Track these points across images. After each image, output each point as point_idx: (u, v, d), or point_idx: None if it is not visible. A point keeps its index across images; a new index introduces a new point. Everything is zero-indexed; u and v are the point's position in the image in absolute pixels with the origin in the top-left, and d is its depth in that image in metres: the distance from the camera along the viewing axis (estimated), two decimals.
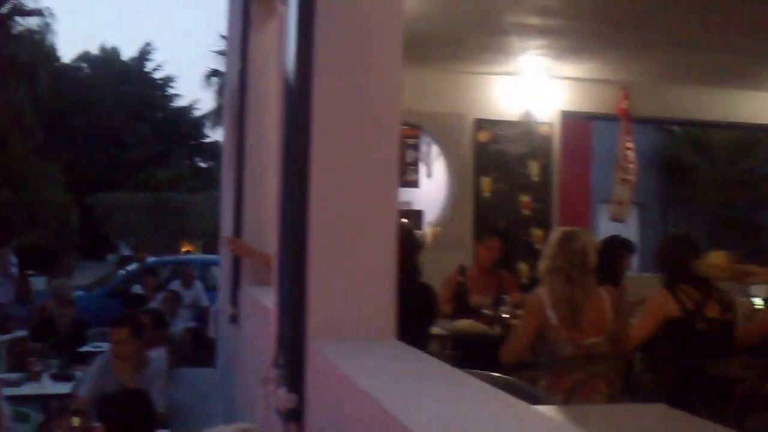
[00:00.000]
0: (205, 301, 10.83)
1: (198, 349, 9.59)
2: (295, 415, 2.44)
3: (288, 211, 2.80)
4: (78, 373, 5.69)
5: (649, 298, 4.59)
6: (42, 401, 5.70)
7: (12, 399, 5.07)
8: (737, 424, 3.69)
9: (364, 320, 2.44)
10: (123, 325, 4.93)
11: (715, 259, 4.38)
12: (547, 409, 2.76)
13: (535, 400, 3.11)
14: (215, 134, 34.62)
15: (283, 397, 2.47)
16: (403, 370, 2.04)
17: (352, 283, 2.45)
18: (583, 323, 3.92)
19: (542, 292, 4.00)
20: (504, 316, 4.86)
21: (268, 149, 4.92)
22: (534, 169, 8.03)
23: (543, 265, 4.05)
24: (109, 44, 41.37)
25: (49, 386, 5.90)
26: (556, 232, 4.18)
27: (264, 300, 3.82)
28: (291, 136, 2.80)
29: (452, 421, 1.47)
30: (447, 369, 2.00)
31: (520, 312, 4.37)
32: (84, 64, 39.31)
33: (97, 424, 3.19)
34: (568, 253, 3.98)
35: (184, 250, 23.45)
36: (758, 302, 5.91)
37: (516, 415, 1.54)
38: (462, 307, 5.18)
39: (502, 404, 1.61)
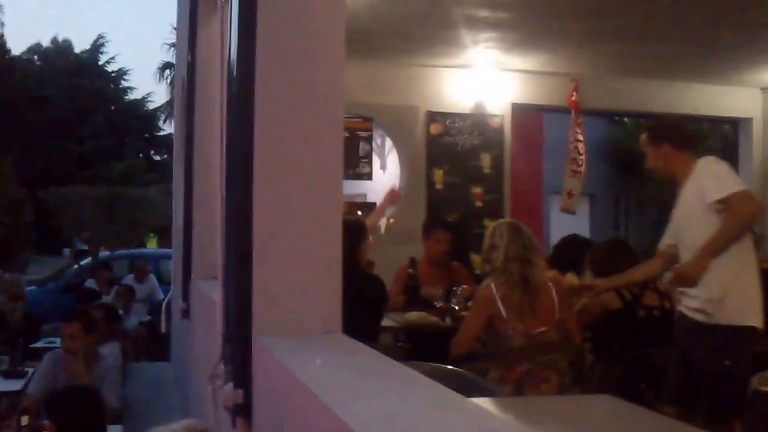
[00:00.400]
0: (159, 294, 10.72)
1: (153, 343, 9.52)
2: (242, 411, 2.45)
3: (232, 205, 2.79)
4: (30, 370, 5.60)
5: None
6: None
7: None
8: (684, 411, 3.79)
9: (310, 314, 2.45)
10: (73, 320, 4.88)
11: (569, 278, 4.68)
12: (491, 402, 2.79)
13: (485, 392, 3.15)
14: (169, 127, 34.29)
15: (229, 392, 2.48)
16: (346, 365, 2.05)
17: (297, 277, 2.45)
18: (532, 312, 3.99)
19: (492, 283, 4.04)
20: (455, 308, 4.90)
21: (217, 142, 4.90)
22: (486, 161, 8.09)
23: (495, 255, 4.07)
24: (61, 37, 40.69)
25: None
26: (501, 224, 4.22)
27: (212, 294, 3.81)
28: (234, 130, 2.79)
29: (390, 416, 1.49)
30: (390, 364, 2.01)
31: (471, 304, 4.41)
32: (35, 57, 38.58)
33: (46, 422, 3.15)
34: (519, 242, 4.06)
35: (148, 245, 23.26)
36: None
37: (456, 410, 1.55)
38: (413, 299, 5.22)
39: (442, 399, 1.63)
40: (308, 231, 2.48)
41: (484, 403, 2.56)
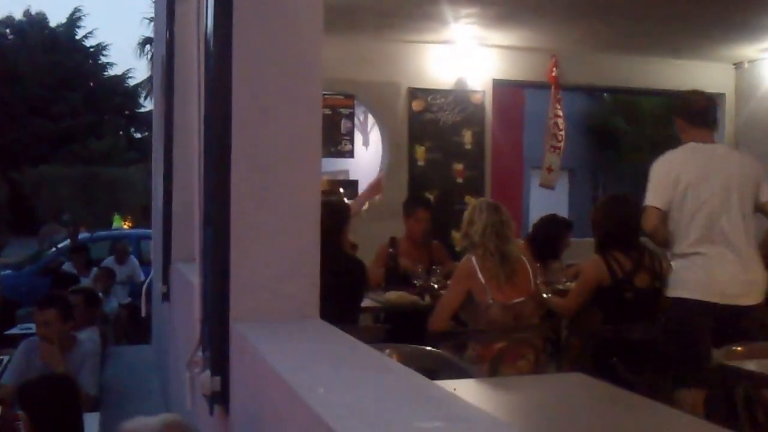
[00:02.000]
0: (140, 276, 10.64)
1: (134, 326, 9.48)
2: (219, 398, 2.44)
3: (209, 188, 2.76)
4: (5, 358, 5.52)
5: (583, 267, 4.69)
6: None
7: None
8: (654, 384, 3.84)
9: (287, 300, 2.44)
10: (49, 306, 4.77)
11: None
12: (466, 384, 2.81)
13: (462, 372, 3.17)
14: (150, 104, 33.94)
15: (207, 380, 2.47)
16: (321, 353, 2.04)
17: (275, 263, 2.44)
18: (510, 284, 4.11)
19: (472, 257, 4.11)
20: (434, 286, 4.91)
21: (195, 122, 4.85)
22: (467, 137, 8.07)
23: (473, 229, 4.14)
24: (34, 9, 39.97)
25: None
26: (481, 202, 4.29)
27: (192, 278, 3.79)
28: (211, 110, 2.75)
29: (362, 407, 1.49)
30: (365, 351, 2.01)
31: (450, 280, 4.45)
32: (7, 30, 37.82)
33: (20, 413, 3.12)
34: (497, 219, 4.18)
35: (126, 225, 23.05)
36: None
37: (427, 399, 1.56)
38: (393, 278, 5.22)
39: (414, 388, 1.63)
40: (286, 215, 2.46)
41: (459, 384, 2.56)
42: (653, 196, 4.06)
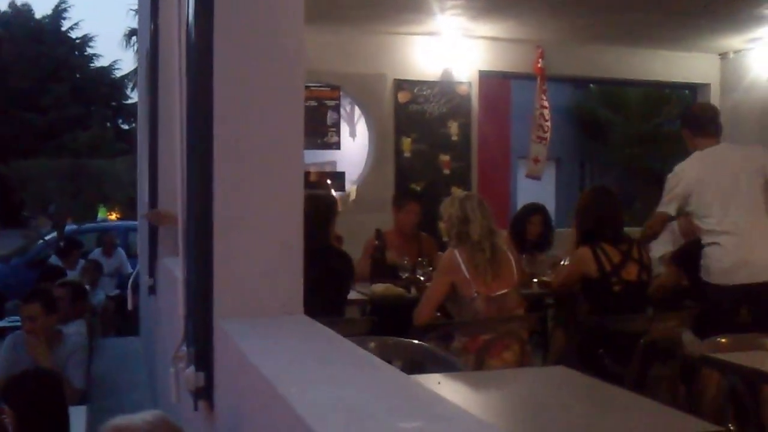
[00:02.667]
0: (128, 268, 10.61)
1: (122, 317, 9.45)
2: (203, 394, 2.45)
3: (192, 183, 2.75)
4: None
5: (573, 254, 4.71)
6: None
7: None
8: (639, 377, 3.87)
9: (271, 296, 2.44)
10: (34, 300, 4.73)
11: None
12: (450, 378, 2.82)
13: (447, 365, 3.18)
14: (137, 95, 33.79)
15: (191, 375, 2.48)
16: (304, 350, 2.05)
17: (259, 258, 2.44)
18: (495, 277, 4.12)
19: (455, 250, 4.11)
20: (420, 278, 4.92)
21: (177, 115, 4.83)
22: (454, 128, 8.09)
23: (470, 228, 4.14)
24: (20, 1, 39.55)
25: None
26: (471, 198, 4.31)
27: (177, 272, 3.78)
28: (193, 102, 2.74)
29: (343, 405, 1.49)
30: (348, 348, 2.02)
31: (434, 273, 4.46)
32: None
33: (4, 407, 3.12)
34: (488, 215, 4.21)
35: (111, 217, 22.92)
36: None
37: (409, 397, 1.57)
38: (379, 271, 5.22)
39: (396, 386, 1.64)
40: (269, 210, 2.46)
41: (443, 378, 2.58)
42: (667, 205, 4.55)
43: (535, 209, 6.20)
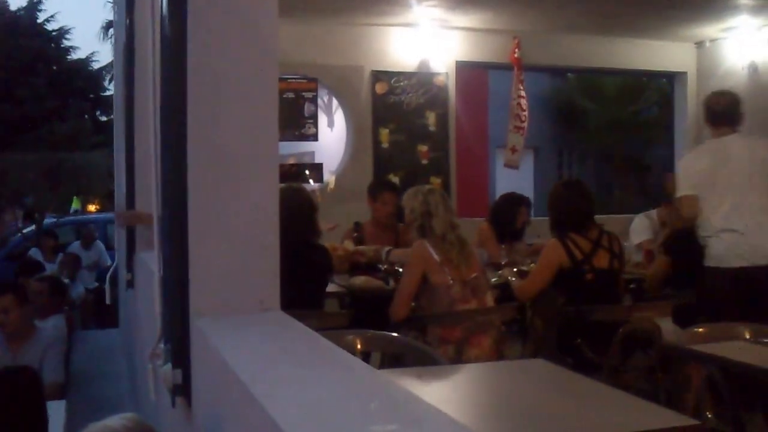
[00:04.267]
0: (107, 260, 10.59)
1: (101, 310, 9.42)
2: (181, 391, 2.45)
3: (166, 178, 2.74)
4: None
5: (544, 250, 4.73)
6: None
7: None
8: (618, 366, 3.91)
9: (248, 293, 2.43)
10: (5, 292, 4.68)
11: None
12: (429, 372, 2.84)
13: (426, 358, 3.20)
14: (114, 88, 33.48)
15: (168, 373, 2.48)
16: (280, 349, 2.05)
17: (235, 255, 2.43)
18: (464, 262, 4.19)
19: (425, 242, 4.16)
20: (398, 270, 4.93)
21: (151, 108, 4.81)
22: (431, 118, 8.10)
23: (434, 222, 4.18)
24: None
25: None
26: (434, 192, 4.39)
27: (154, 267, 3.77)
28: (167, 96, 2.73)
29: (316, 407, 1.50)
30: (324, 346, 2.02)
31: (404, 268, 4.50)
32: None
33: None
34: (450, 209, 4.33)
35: (92, 208, 22.74)
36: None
37: (385, 397, 1.57)
38: (358, 263, 5.23)
39: (372, 385, 1.65)
40: (244, 206, 2.45)
41: (423, 372, 2.59)
42: (685, 187, 4.71)
43: (521, 201, 6.23)
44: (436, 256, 4.12)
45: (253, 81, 2.46)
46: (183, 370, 2.42)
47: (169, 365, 2.49)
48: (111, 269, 6.50)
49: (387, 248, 5.30)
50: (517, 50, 8.15)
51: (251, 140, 2.46)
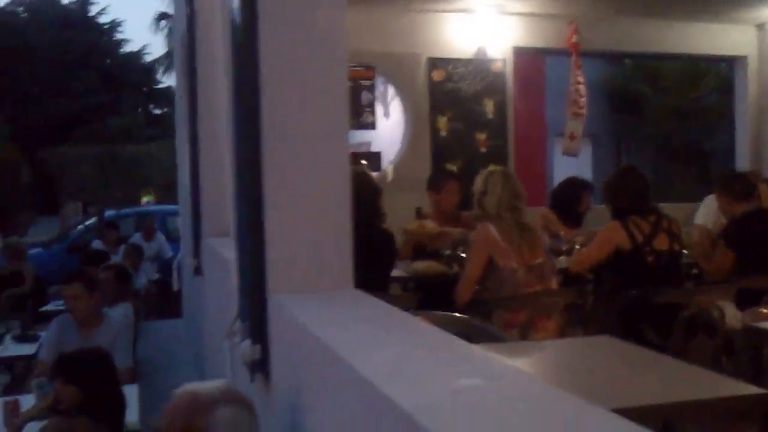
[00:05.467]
0: (167, 252, 10.76)
1: (163, 301, 9.61)
2: (260, 366, 2.52)
3: (242, 164, 2.82)
4: (41, 334, 5.57)
5: (603, 229, 4.73)
6: (5, 363, 5.68)
7: None
8: (681, 349, 3.88)
9: (322, 270, 2.50)
10: (74, 281, 4.79)
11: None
12: (497, 348, 2.87)
13: (492, 338, 3.23)
14: (168, 79, 33.93)
15: (247, 349, 2.55)
16: (359, 318, 2.11)
17: (310, 235, 2.50)
18: (528, 247, 4.18)
19: (489, 225, 4.16)
20: (461, 255, 4.94)
21: (222, 97, 4.89)
22: (489, 106, 8.07)
23: (488, 200, 4.21)
24: None
25: (11, 348, 5.79)
26: (495, 172, 4.38)
27: (224, 252, 3.87)
28: (240, 83, 2.80)
29: (402, 365, 1.55)
30: (400, 315, 2.08)
31: (467, 252, 4.52)
32: (20, 9, 37.67)
33: (62, 386, 3.21)
34: (510, 190, 4.27)
35: (144, 200, 23.11)
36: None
37: (463, 358, 1.62)
38: (421, 249, 5.25)
39: (450, 348, 1.69)
40: (318, 188, 2.52)
41: (490, 349, 2.63)
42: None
43: (585, 185, 6.19)
44: (499, 239, 4.13)
45: (323, 68, 2.53)
46: (262, 346, 2.49)
47: (247, 342, 2.57)
48: (177, 257, 6.61)
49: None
50: (574, 35, 8.08)
51: (323, 125, 2.52)
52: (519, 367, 1.48)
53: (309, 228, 2.50)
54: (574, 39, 8.10)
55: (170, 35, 24.25)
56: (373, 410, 1.41)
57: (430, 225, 5.29)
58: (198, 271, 5.46)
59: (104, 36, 38.98)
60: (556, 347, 3.12)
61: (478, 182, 4.35)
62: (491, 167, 4.56)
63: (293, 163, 2.49)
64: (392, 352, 1.67)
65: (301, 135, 2.49)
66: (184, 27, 6.37)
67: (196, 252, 5.56)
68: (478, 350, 1.64)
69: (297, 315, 2.17)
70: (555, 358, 2.84)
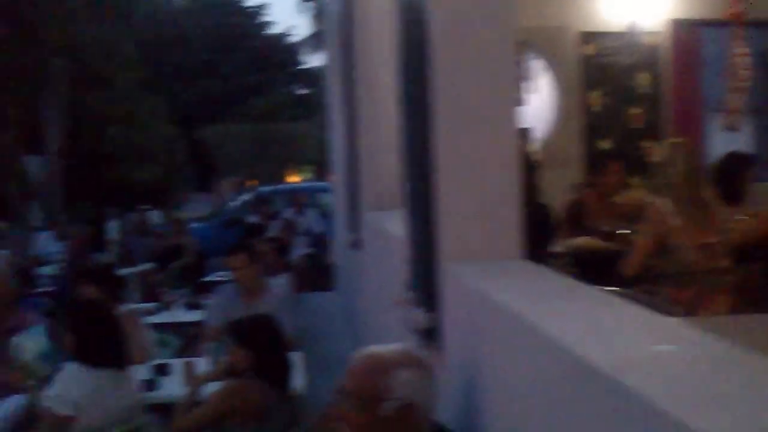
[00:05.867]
0: (317, 227, 11.11)
1: (315, 274, 9.91)
2: (432, 334, 2.60)
3: (411, 140, 2.89)
4: (206, 302, 5.83)
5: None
6: (176, 328, 6.02)
7: (150, 327, 5.32)
8: None
9: (491, 241, 2.55)
10: (239, 252, 5.06)
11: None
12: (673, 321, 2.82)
13: (660, 313, 3.17)
14: (313, 60, 34.62)
15: (419, 317, 2.63)
16: (534, 286, 2.14)
17: (479, 206, 2.55)
18: (702, 226, 4.02)
19: (661, 201, 4.05)
20: (623, 232, 4.85)
21: (380, 74, 4.96)
22: (642, 80, 7.83)
23: (671, 171, 4.10)
24: None
25: (182, 314, 6.15)
26: (675, 144, 4.21)
27: (387, 225, 3.97)
28: (409, 64, 2.87)
29: (596, 331, 1.58)
30: (575, 284, 2.09)
31: (640, 226, 4.41)
32: None
33: (236, 348, 3.39)
34: (697, 163, 4.17)
35: (295, 179, 23.83)
36: None
37: (655, 326, 1.63)
38: (578, 224, 5.17)
39: (639, 316, 1.70)
40: (487, 163, 2.56)
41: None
42: None
43: (751, 159, 5.90)
44: (671, 217, 4.01)
45: (493, 42, 2.56)
46: (435, 313, 2.56)
47: (419, 310, 2.65)
48: (328, 233, 6.83)
49: None
50: (738, 4, 7.68)
51: (493, 100, 2.56)
52: (713, 338, 1.47)
53: (479, 199, 2.55)
54: (738, 8, 7.70)
55: (317, 16, 24.69)
56: (570, 376, 1.45)
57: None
58: (356, 244, 5.59)
59: (251, 19, 40.18)
60: (731, 324, 3.03)
61: (661, 152, 4.24)
62: (673, 138, 4.43)
63: (465, 137, 2.54)
64: (582, 319, 1.70)
65: (472, 112, 2.54)
66: (338, 7, 6.48)
67: (354, 226, 5.69)
68: (667, 320, 1.64)
69: (470, 282, 2.22)
70: (732, 333, 2.76)
